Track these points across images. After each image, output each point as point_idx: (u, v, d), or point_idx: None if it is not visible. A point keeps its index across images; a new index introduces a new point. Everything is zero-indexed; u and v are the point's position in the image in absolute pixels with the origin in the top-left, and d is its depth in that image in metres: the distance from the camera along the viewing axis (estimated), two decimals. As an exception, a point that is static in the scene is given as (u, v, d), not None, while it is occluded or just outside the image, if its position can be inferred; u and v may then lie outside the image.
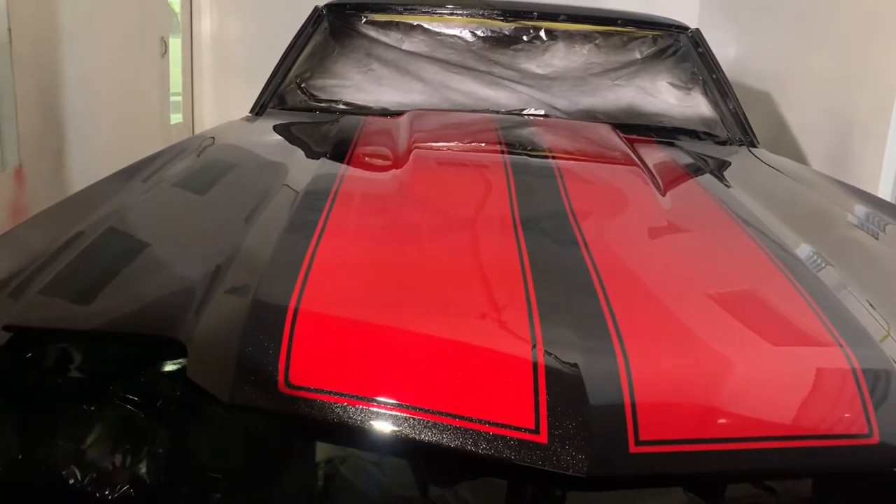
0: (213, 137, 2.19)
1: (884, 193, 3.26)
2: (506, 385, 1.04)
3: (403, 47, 2.76)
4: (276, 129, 2.38)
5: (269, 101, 2.63)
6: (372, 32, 2.78)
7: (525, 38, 2.78)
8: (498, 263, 1.34)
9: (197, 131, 6.03)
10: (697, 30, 2.88)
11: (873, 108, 3.40)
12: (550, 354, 1.06)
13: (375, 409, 1.02)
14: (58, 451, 1.09)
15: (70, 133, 4.01)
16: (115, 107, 4.57)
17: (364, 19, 2.80)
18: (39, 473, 1.09)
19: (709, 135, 2.64)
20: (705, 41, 2.84)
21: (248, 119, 2.55)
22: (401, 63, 2.73)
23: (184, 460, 1.12)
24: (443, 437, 1.00)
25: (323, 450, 1.13)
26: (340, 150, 2.06)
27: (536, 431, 0.99)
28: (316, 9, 2.83)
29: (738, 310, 1.27)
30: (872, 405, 1.08)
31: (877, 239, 1.74)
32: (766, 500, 1.10)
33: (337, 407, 1.02)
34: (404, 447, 1.03)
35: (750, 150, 2.55)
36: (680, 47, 2.82)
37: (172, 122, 5.87)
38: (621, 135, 2.33)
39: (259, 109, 2.60)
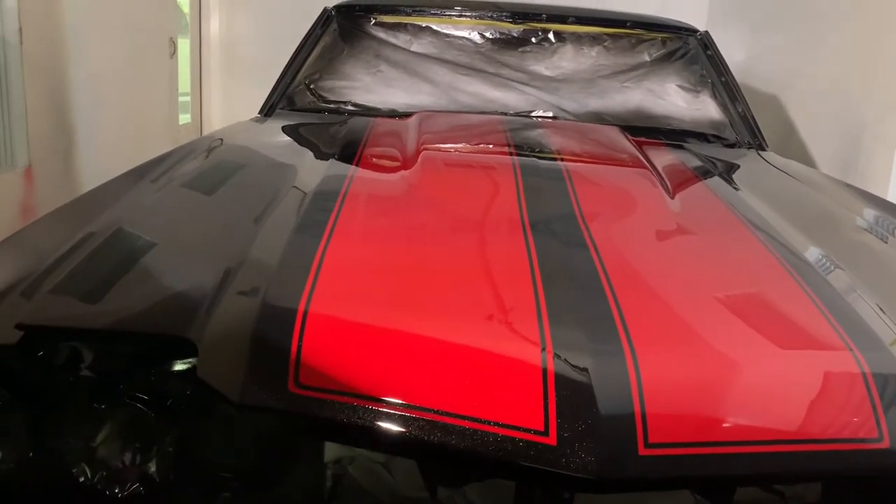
0: (223, 138, 2.20)
1: (893, 197, 3.25)
2: (515, 387, 1.04)
3: (412, 49, 2.76)
4: (285, 130, 2.39)
5: (279, 102, 2.64)
6: (381, 34, 2.78)
7: (534, 39, 2.78)
8: (507, 265, 1.34)
9: (205, 132, 6.06)
10: (706, 32, 2.88)
11: (882, 111, 3.39)
12: (560, 356, 1.06)
13: (384, 410, 1.02)
14: (68, 449, 1.10)
15: (79, 133, 4.03)
16: (124, 107, 4.59)
17: (373, 21, 2.80)
18: (50, 471, 1.10)
19: (718, 137, 2.64)
20: (714, 44, 2.84)
21: (257, 120, 2.56)
22: (409, 64, 2.73)
23: (193, 459, 1.12)
24: (451, 439, 1.00)
25: (332, 450, 1.14)
26: (349, 152, 2.07)
27: (545, 433, 0.99)
28: (325, 10, 2.84)
29: (747, 313, 1.27)
30: (882, 409, 1.07)
31: (886, 242, 1.74)
32: (775, 504, 1.10)
33: (346, 407, 1.02)
34: (413, 448, 1.03)
35: (759, 154, 2.55)
36: (689, 50, 2.81)
37: (181, 122, 5.89)
38: (630, 137, 2.33)
39: (268, 110, 2.61)
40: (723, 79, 2.76)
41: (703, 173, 2.16)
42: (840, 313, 1.26)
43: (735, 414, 1.06)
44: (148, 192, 1.65)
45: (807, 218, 1.82)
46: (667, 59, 2.80)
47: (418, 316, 1.16)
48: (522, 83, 2.71)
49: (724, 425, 1.05)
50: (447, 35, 2.79)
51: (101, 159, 4.07)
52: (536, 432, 0.99)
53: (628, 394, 1.03)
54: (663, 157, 2.23)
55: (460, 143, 2.25)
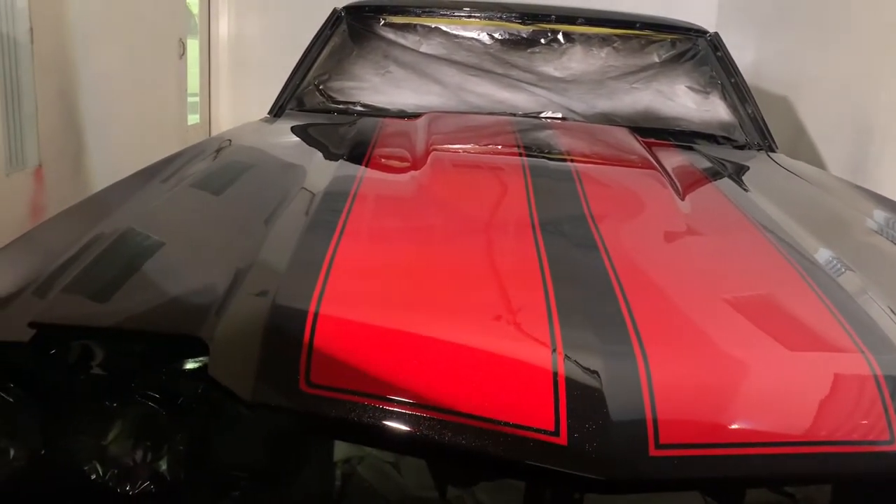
0: (232, 139, 2.21)
1: (903, 199, 3.23)
2: (526, 387, 1.04)
3: (421, 50, 2.76)
4: (295, 130, 2.39)
5: (288, 102, 2.65)
6: (390, 35, 2.79)
7: (543, 41, 2.78)
8: (517, 266, 1.34)
9: (214, 132, 6.07)
10: (716, 33, 2.87)
11: (892, 113, 3.38)
12: (570, 357, 1.06)
13: (395, 410, 1.03)
14: (80, 447, 1.11)
15: (88, 133, 4.05)
16: (134, 107, 4.61)
17: (382, 21, 2.81)
18: (62, 469, 1.11)
19: (727, 139, 2.63)
20: (724, 45, 2.83)
21: (266, 120, 2.56)
22: (418, 65, 2.73)
23: (204, 458, 1.13)
24: (462, 439, 1.00)
25: (342, 449, 1.14)
26: (358, 152, 2.07)
27: (556, 433, 0.99)
28: (335, 11, 2.85)
29: (758, 315, 1.27)
30: (894, 411, 1.07)
31: (897, 244, 1.73)
32: (785, 506, 1.10)
33: (357, 407, 1.03)
34: (423, 447, 1.03)
35: (768, 155, 2.54)
36: (699, 51, 2.81)
37: (190, 122, 5.91)
38: (639, 138, 2.33)
39: (277, 111, 2.62)
40: (732, 80, 2.75)
41: (713, 175, 2.15)
42: (851, 315, 1.26)
43: (746, 416, 1.06)
44: (158, 193, 1.66)
45: (817, 220, 1.81)
46: (676, 60, 2.79)
47: (429, 316, 1.16)
48: (531, 84, 2.71)
49: (735, 427, 1.05)
50: (456, 36, 2.79)
51: (111, 159, 4.08)
52: (547, 433, 0.99)
53: (639, 395, 1.03)
54: (673, 159, 2.23)
55: (469, 143, 2.25)
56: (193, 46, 6.10)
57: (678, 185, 1.90)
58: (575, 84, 2.72)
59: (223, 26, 6.34)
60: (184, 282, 1.25)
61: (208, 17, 6.28)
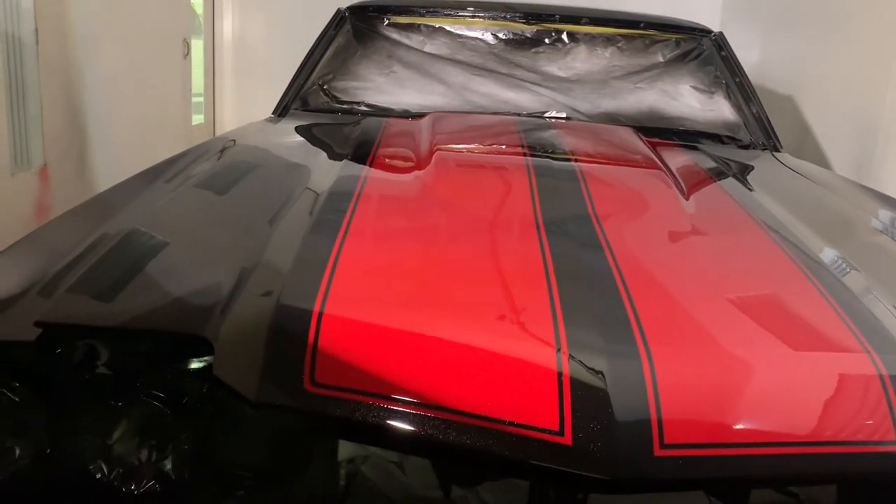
0: (236, 139, 2.21)
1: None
2: (530, 387, 1.04)
3: (425, 49, 2.77)
4: (299, 130, 2.40)
5: (292, 102, 2.65)
6: (394, 35, 2.79)
7: (547, 40, 2.78)
8: (521, 266, 1.34)
9: (218, 132, 6.08)
10: (721, 33, 2.87)
11: (897, 113, 3.37)
12: (575, 357, 1.06)
13: (399, 409, 1.03)
14: (85, 446, 1.11)
15: (93, 133, 4.06)
16: (138, 107, 4.62)
17: (386, 21, 2.81)
18: (67, 468, 1.11)
19: (732, 139, 2.63)
20: (728, 44, 2.83)
21: (270, 120, 2.57)
22: (423, 65, 2.73)
23: (209, 457, 1.13)
24: (466, 438, 1.00)
25: (347, 448, 1.14)
26: (363, 152, 2.07)
27: (561, 433, 0.99)
28: (338, 11, 2.85)
29: (762, 314, 1.27)
30: (899, 411, 1.07)
31: (902, 244, 1.72)
32: (790, 506, 1.10)
33: (361, 406, 1.03)
34: (427, 447, 1.03)
35: (773, 155, 2.54)
36: (703, 51, 2.80)
37: (194, 122, 5.92)
38: (644, 138, 2.33)
39: (281, 111, 2.62)
40: (737, 80, 2.75)
41: (718, 174, 2.15)
42: (856, 315, 1.25)
43: (751, 416, 1.06)
44: (162, 193, 1.66)
45: (822, 219, 1.81)
46: (681, 59, 2.79)
47: (433, 316, 1.16)
48: (536, 84, 2.71)
49: (740, 427, 1.04)
50: (460, 36, 2.79)
51: (115, 159, 4.09)
52: (552, 432, 0.99)
53: (644, 394, 1.02)
54: (677, 158, 2.22)
55: (474, 143, 2.25)
56: (198, 47, 6.11)
57: (682, 184, 1.90)
58: (579, 84, 2.72)
59: (227, 26, 6.35)
60: (188, 281, 1.25)
61: (213, 18, 6.29)
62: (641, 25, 2.82)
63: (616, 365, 1.06)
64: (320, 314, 1.12)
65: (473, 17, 2.80)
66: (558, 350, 1.07)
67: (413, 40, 2.78)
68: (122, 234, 1.38)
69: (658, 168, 1.99)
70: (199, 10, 6.23)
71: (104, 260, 1.28)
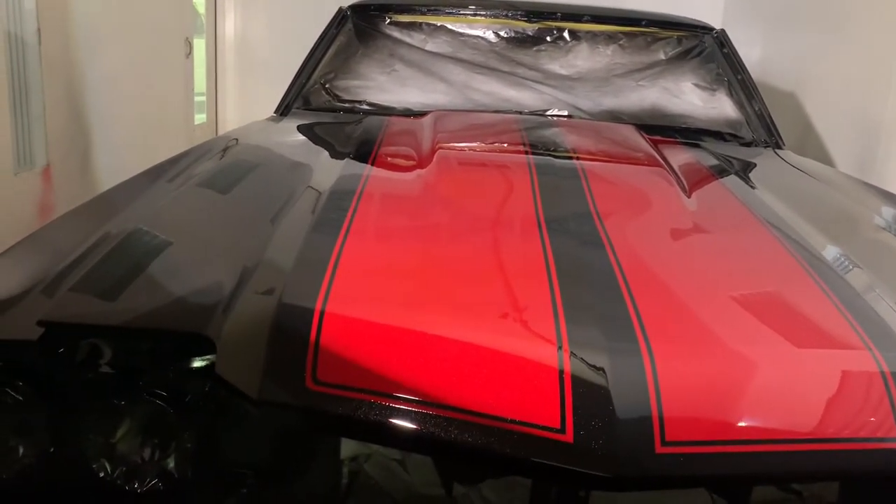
0: (238, 138, 2.21)
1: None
2: (531, 385, 1.04)
3: (427, 48, 2.77)
4: (301, 129, 2.40)
5: (294, 101, 2.65)
6: (396, 33, 2.79)
7: (548, 38, 2.78)
8: (523, 264, 1.34)
9: (220, 131, 6.09)
10: (723, 30, 2.86)
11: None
12: (576, 355, 1.06)
13: (401, 407, 1.03)
14: (88, 445, 1.11)
15: (96, 133, 4.06)
16: (140, 107, 4.62)
17: (388, 20, 2.81)
18: (69, 466, 1.11)
19: (734, 136, 2.63)
20: (730, 42, 2.83)
21: (272, 119, 2.57)
22: (424, 64, 2.74)
23: (211, 455, 1.13)
24: (468, 436, 1.00)
25: (349, 446, 1.14)
26: (364, 151, 2.07)
27: (562, 431, 0.99)
28: (340, 10, 2.85)
29: (765, 312, 1.27)
30: (902, 408, 1.07)
31: (905, 241, 1.72)
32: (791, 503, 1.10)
33: (363, 404, 1.03)
34: (429, 445, 1.03)
35: (775, 152, 2.53)
36: (705, 48, 2.80)
37: (196, 122, 5.92)
38: (645, 136, 2.33)
39: (283, 110, 2.62)
40: (739, 77, 2.74)
41: (720, 172, 2.15)
42: (859, 312, 1.25)
43: (752, 413, 1.06)
44: (164, 192, 1.66)
45: (824, 216, 1.81)
46: (682, 57, 2.79)
47: (435, 314, 1.16)
48: (537, 82, 2.71)
49: (741, 424, 1.04)
50: (462, 34, 2.79)
51: (118, 159, 4.10)
52: (553, 430, 0.99)
53: (645, 392, 1.03)
54: (679, 156, 2.22)
55: (475, 141, 2.25)
56: (200, 46, 6.11)
57: (684, 182, 1.90)
58: (581, 82, 2.72)
59: (230, 26, 6.35)
60: (191, 280, 1.25)
61: (215, 17, 6.29)
62: (643, 23, 2.82)
63: (617, 362, 1.06)
64: (322, 313, 1.12)
65: (475, 15, 2.80)
66: (560, 348, 1.07)
67: (415, 39, 2.78)
68: (124, 234, 1.39)
69: (660, 166, 1.99)
70: (202, 9, 6.23)
71: (107, 259, 1.29)
